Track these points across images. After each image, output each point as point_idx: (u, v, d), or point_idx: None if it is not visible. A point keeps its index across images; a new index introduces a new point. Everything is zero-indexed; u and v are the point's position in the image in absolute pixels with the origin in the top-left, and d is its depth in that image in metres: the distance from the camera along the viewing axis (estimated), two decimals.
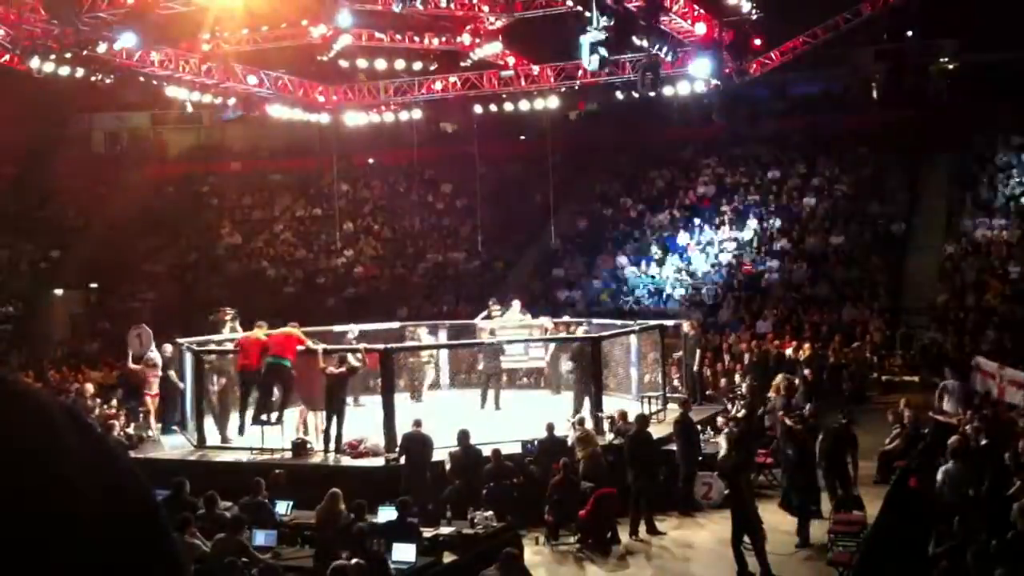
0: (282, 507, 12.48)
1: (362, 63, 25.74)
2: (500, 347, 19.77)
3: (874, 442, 16.01)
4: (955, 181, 30.83)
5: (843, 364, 23.00)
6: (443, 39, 24.37)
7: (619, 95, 26.11)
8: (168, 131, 41.42)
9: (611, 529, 13.18)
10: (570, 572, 12.45)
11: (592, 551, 12.90)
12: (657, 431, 15.09)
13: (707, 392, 20.29)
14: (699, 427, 15.75)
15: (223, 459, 15.69)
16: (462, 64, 25.46)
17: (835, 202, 31.28)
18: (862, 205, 30.87)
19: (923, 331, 24.89)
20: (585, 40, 18.61)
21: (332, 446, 15.12)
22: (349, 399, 16.39)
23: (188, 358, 17.50)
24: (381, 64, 25.42)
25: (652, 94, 22.87)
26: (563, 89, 26.68)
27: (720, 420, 15.47)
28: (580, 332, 19.86)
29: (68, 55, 20.10)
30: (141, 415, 18.41)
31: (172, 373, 18.03)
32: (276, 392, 15.70)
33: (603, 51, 18.74)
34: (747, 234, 31.12)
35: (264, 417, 15.60)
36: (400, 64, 25.57)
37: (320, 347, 16.27)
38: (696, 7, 21.78)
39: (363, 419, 16.38)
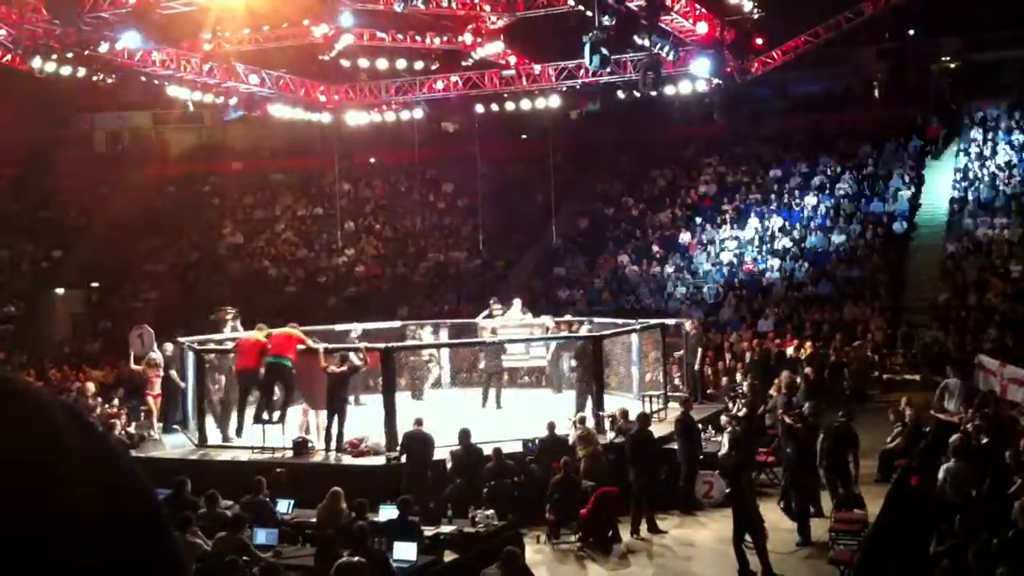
0: (283, 506, 12.48)
1: (363, 62, 25.75)
2: (501, 346, 19.77)
3: (875, 441, 16.00)
4: (956, 180, 30.81)
5: (844, 363, 22.99)
6: (444, 38, 24.37)
7: (620, 94, 26.10)
8: (170, 131, 41.42)
9: (612, 528, 13.17)
10: (571, 571, 12.44)
11: (593, 550, 12.89)
12: (658, 430, 15.08)
13: (708, 391, 20.29)
14: (700, 426, 15.74)
15: (224, 458, 15.68)
16: (463, 63, 25.45)
17: (836, 201, 31.27)
18: (863, 204, 30.86)
19: (924, 330, 24.87)
20: (587, 39, 18.62)
21: (333, 445, 15.12)
22: (350, 398, 16.40)
23: (189, 357, 17.50)
24: (383, 63, 25.42)
25: (654, 93, 22.85)
26: (564, 88, 26.67)
27: (724, 419, 15.46)
28: (583, 331, 19.86)
29: (70, 55, 20.11)
30: (142, 414, 18.42)
31: (173, 372, 18.03)
32: (277, 392, 15.71)
33: (604, 50, 18.74)
34: (748, 233, 31.11)
35: (265, 416, 15.61)
36: (401, 63, 25.57)
37: (321, 346, 16.28)
38: (698, 6, 21.78)
39: (364, 418, 16.38)
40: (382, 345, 16.86)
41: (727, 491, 13.54)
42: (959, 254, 27.36)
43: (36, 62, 20.02)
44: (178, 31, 22.25)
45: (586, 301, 29.63)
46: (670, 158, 35.69)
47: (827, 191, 31.82)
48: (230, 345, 17.55)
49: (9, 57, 20.84)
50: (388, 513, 11.44)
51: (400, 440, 14.20)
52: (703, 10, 21.95)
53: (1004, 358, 18.85)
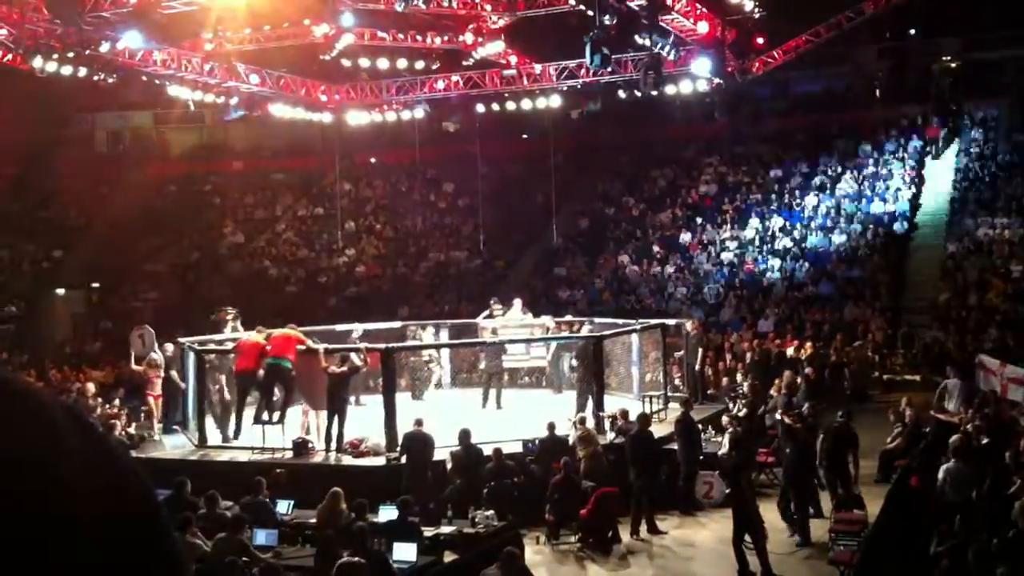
0: (283, 506, 12.48)
1: (364, 62, 25.75)
2: (502, 346, 19.77)
3: (875, 441, 16.00)
4: (957, 180, 30.82)
5: (844, 363, 22.99)
6: (445, 38, 24.37)
7: (621, 94, 26.10)
8: (170, 130, 41.42)
9: (612, 528, 13.17)
10: (571, 571, 12.44)
11: (593, 550, 12.89)
12: (658, 430, 15.08)
13: (708, 391, 20.29)
14: (700, 426, 15.73)
15: (224, 459, 15.68)
16: (464, 63, 25.46)
17: (837, 201, 31.27)
18: (864, 204, 30.86)
19: (925, 330, 24.86)
20: (588, 39, 18.62)
21: (333, 445, 15.13)
22: (351, 398, 16.40)
23: (190, 358, 17.50)
24: (383, 63, 25.42)
25: (654, 93, 22.86)
26: (565, 88, 26.67)
27: (725, 419, 15.47)
28: (585, 331, 19.86)
29: (71, 54, 20.11)
30: (142, 415, 18.42)
31: (174, 373, 18.02)
32: (277, 393, 15.71)
33: (605, 50, 18.75)
34: (749, 233, 31.11)
35: (265, 417, 15.61)
36: (402, 63, 25.57)
37: (321, 346, 16.28)
38: (699, 6, 21.78)
39: (364, 418, 16.38)
40: (382, 345, 16.86)
41: (727, 492, 13.53)
42: (960, 254, 27.36)
43: (37, 62, 20.03)
44: (179, 31, 22.25)
45: (587, 301, 29.63)
46: (671, 158, 35.70)
47: (828, 191, 31.82)
48: (230, 346, 17.55)
49: (10, 57, 20.85)
50: (388, 514, 11.44)
51: (400, 441, 14.20)
52: (704, 9, 21.95)
53: (1005, 358, 18.86)
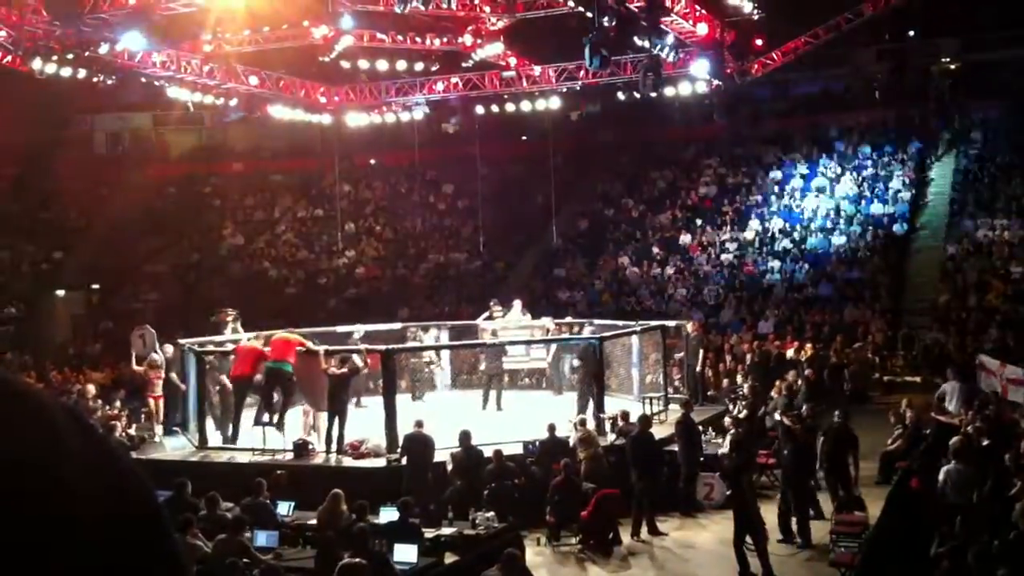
0: (284, 508, 12.48)
1: (364, 64, 25.76)
2: (502, 348, 19.77)
3: (876, 443, 15.99)
4: (956, 181, 30.82)
5: (844, 364, 22.99)
6: (445, 40, 24.38)
7: (621, 95, 26.13)
8: (170, 132, 41.42)
9: (613, 530, 13.17)
10: (571, 573, 12.44)
11: (594, 552, 12.89)
12: (658, 432, 15.08)
13: (708, 393, 20.29)
14: (700, 428, 15.74)
15: (224, 460, 15.68)
16: (464, 65, 25.47)
17: (837, 202, 31.28)
18: (864, 205, 30.87)
19: (925, 331, 24.87)
20: (587, 40, 18.64)
21: (334, 447, 15.12)
22: (351, 400, 16.40)
23: (190, 359, 17.50)
24: (383, 65, 25.43)
25: (654, 94, 22.88)
26: (564, 90, 26.69)
27: (727, 421, 15.47)
28: (586, 332, 19.86)
29: (70, 56, 20.12)
30: (143, 416, 18.40)
31: (173, 375, 18.01)
32: (276, 396, 15.70)
33: (604, 51, 18.76)
34: (749, 234, 31.12)
35: (265, 418, 15.61)
36: (402, 65, 25.58)
37: (321, 348, 16.28)
38: (698, 8, 21.79)
39: (365, 420, 16.38)
40: (382, 347, 16.86)
41: (728, 493, 13.53)
42: (959, 255, 27.38)
43: (36, 63, 20.03)
44: (178, 32, 22.26)
45: (586, 303, 29.64)
46: (670, 159, 35.71)
47: (827, 192, 31.83)
48: (230, 347, 17.55)
49: (10, 58, 20.85)
50: (389, 515, 11.44)
51: (401, 442, 14.20)
52: (703, 11, 21.97)
53: (1005, 359, 18.87)
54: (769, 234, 30.89)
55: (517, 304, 22.62)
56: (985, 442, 13.09)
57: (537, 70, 26.34)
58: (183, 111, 28.71)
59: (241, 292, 29.85)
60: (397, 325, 23.21)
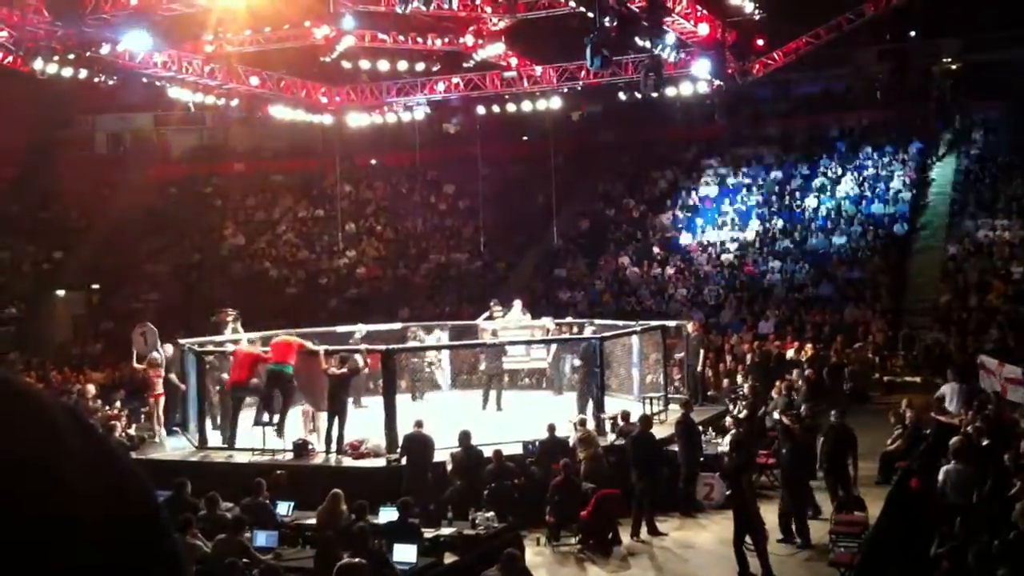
0: (283, 508, 12.48)
1: (365, 64, 25.76)
2: (502, 348, 19.76)
3: (875, 443, 16.00)
4: (957, 181, 30.82)
5: (844, 364, 22.98)
6: (446, 40, 24.38)
7: (622, 96, 26.12)
8: (171, 132, 41.41)
9: (612, 530, 13.17)
10: (571, 573, 12.44)
11: (593, 552, 12.89)
12: (659, 432, 15.07)
13: (709, 393, 20.29)
14: (700, 428, 15.74)
15: (224, 460, 15.68)
16: (465, 65, 25.47)
17: (837, 202, 31.27)
18: (864, 206, 30.87)
19: (925, 331, 24.86)
20: (588, 41, 18.64)
21: (333, 447, 15.12)
22: (351, 400, 16.40)
23: (190, 359, 17.50)
24: (384, 65, 25.43)
25: (655, 95, 22.86)
26: (565, 90, 26.69)
27: (728, 421, 15.46)
28: (587, 332, 19.86)
29: (71, 56, 20.12)
30: (143, 416, 18.40)
31: (173, 376, 18.00)
32: (276, 398, 15.70)
33: (606, 52, 18.75)
34: (749, 234, 31.11)
35: (265, 419, 15.61)
36: (403, 65, 25.59)
37: (321, 348, 16.28)
38: (699, 8, 21.79)
39: (365, 420, 16.38)
40: (383, 347, 16.86)
41: (727, 493, 13.53)
42: (960, 256, 27.37)
43: (38, 64, 20.04)
44: (180, 33, 22.27)
45: (587, 303, 29.63)
46: (671, 159, 35.71)
47: (828, 192, 31.82)
48: (231, 348, 17.55)
49: (11, 59, 20.86)
50: (388, 515, 11.44)
51: (400, 442, 14.20)
52: (704, 11, 21.96)
53: (1005, 359, 18.85)
54: (770, 234, 30.88)
55: (517, 304, 22.62)
56: (985, 442, 13.10)
57: (538, 70, 26.34)
58: (184, 111, 28.71)
59: (242, 292, 29.85)
60: (398, 325, 23.22)
